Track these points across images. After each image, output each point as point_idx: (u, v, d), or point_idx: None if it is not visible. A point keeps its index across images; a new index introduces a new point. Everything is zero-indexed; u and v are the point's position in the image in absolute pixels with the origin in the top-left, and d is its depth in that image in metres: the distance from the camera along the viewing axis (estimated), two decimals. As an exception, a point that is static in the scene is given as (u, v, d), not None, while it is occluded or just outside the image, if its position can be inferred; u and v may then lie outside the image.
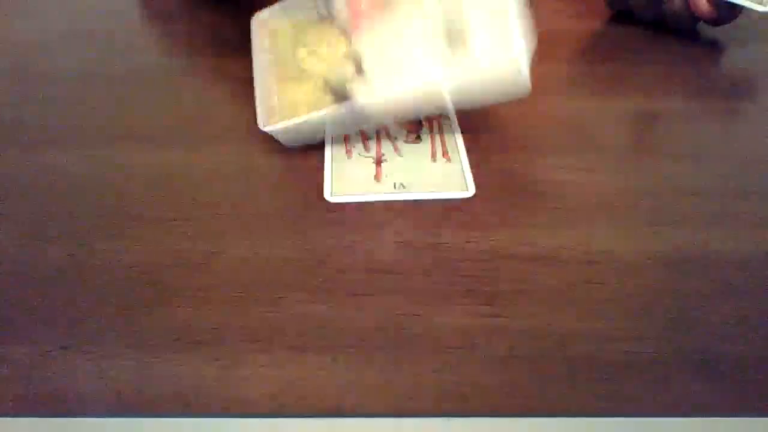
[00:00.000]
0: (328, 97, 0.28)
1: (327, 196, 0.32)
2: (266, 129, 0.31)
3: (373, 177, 0.32)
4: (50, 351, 0.26)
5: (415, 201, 0.32)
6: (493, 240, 0.30)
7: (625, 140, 0.37)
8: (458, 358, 0.26)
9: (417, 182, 0.32)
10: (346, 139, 0.34)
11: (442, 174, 0.33)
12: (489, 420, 0.24)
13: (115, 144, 0.36)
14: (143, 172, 0.34)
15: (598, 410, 0.24)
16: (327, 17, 0.28)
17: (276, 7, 0.34)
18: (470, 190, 0.32)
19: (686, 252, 0.30)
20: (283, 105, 0.29)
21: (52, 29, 0.46)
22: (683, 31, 0.45)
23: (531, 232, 0.31)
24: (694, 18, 0.43)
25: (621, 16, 0.47)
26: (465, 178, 0.32)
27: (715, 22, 0.43)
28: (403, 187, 0.31)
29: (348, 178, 0.32)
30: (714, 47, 0.45)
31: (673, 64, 0.43)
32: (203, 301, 0.28)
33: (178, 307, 0.27)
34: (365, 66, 0.27)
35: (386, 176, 0.32)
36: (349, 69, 0.27)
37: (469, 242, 0.30)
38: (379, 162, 0.32)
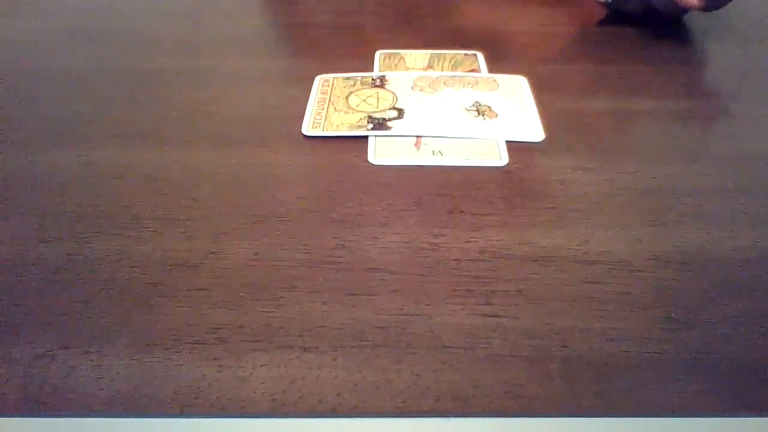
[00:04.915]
0: (369, 125, 0.38)
1: (371, 159, 0.35)
2: (308, 134, 0.38)
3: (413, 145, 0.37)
4: (50, 351, 0.26)
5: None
6: (493, 240, 0.30)
7: (624, 140, 0.37)
8: (458, 357, 0.26)
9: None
10: None
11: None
12: (489, 420, 0.24)
13: (115, 144, 0.36)
14: (144, 172, 0.34)
15: (597, 410, 0.24)
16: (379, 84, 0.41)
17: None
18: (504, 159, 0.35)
19: (686, 252, 0.30)
20: (329, 123, 0.38)
21: (53, 28, 0.46)
22: (673, 22, 0.45)
23: (531, 232, 0.31)
24: (681, 7, 0.44)
25: (614, 17, 0.47)
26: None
27: (704, 8, 0.43)
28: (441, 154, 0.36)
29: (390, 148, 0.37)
30: (710, 48, 0.45)
31: (671, 64, 0.43)
32: (203, 301, 0.28)
33: (178, 307, 0.27)
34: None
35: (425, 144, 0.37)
36: (391, 113, 0.39)
37: (469, 242, 0.30)
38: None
